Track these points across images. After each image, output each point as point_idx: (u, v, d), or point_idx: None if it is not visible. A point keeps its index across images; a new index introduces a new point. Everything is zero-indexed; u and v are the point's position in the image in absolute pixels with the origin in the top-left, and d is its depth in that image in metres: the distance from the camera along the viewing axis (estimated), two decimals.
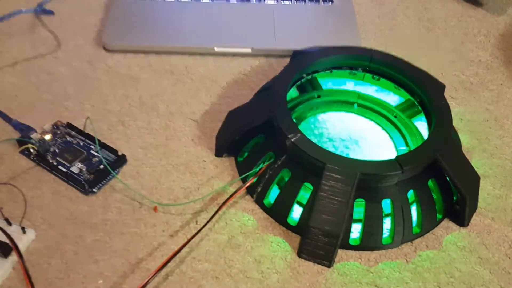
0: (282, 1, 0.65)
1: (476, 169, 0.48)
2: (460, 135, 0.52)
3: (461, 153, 0.46)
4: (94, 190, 0.44)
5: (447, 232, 0.44)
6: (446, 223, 0.44)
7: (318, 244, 0.39)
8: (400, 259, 0.42)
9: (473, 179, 0.44)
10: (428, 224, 0.43)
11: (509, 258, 0.42)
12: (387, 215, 0.42)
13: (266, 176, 0.43)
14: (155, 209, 0.43)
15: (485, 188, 0.47)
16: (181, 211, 0.44)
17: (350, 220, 0.41)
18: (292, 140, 0.41)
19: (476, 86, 0.58)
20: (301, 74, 0.49)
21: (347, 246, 0.41)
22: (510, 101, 0.56)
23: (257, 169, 0.43)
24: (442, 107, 0.44)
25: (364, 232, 0.41)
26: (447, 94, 0.56)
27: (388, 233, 0.42)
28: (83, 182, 0.44)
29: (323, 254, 0.40)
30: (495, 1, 0.70)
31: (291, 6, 0.65)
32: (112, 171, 0.44)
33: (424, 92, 0.46)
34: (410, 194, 0.42)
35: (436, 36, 0.64)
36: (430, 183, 0.43)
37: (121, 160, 0.46)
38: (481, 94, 0.57)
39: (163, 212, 0.43)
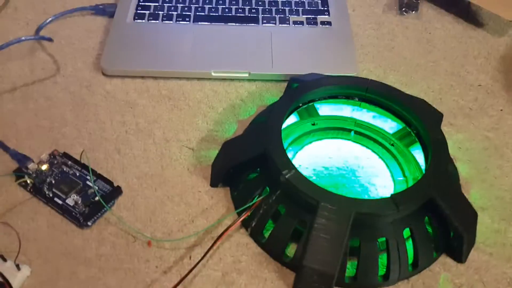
0: (280, 24, 0.65)
1: (474, 201, 0.48)
2: (458, 164, 0.51)
3: (458, 189, 0.45)
4: (89, 223, 0.44)
5: (444, 269, 0.43)
6: (443, 259, 0.44)
7: (312, 283, 0.39)
8: None
9: (470, 215, 0.43)
10: (424, 261, 0.42)
11: None
12: (382, 251, 0.42)
13: (261, 211, 0.43)
14: (149, 243, 0.43)
15: (483, 222, 0.47)
16: (175, 245, 0.44)
17: (345, 259, 0.40)
18: (286, 176, 0.40)
19: (475, 112, 0.57)
20: (297, 104, 0.48)
21: (342, 284, 0.41)
22: (510, 128, 0.56)
23: (252, 202, 0.43)
24: (438, 141, 0.44)
25: (359, 270, 0.41)
26: (446, 120, 0.56)
27: (384, 271, 0.42)
28: (78, 215, 0.44)
29: None
30: (496, 21, 0.70)
31: (289, 28, 0.65)
32: (106, 206, 0.44)
33: (421, 124, 0.46)
34: (406, 231, 0.41)
35: (435, 59, 0.63)
36: (426, 220, 0.42)
37: (116, 191, 0.46)
38: (480, 120, 0.56)
39: (157, 246, 0.43)
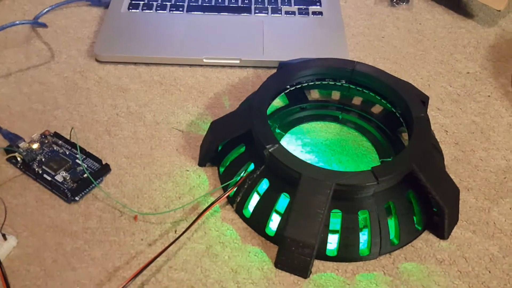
0: (272, 14, 0.66)
1: (460, 182, 0.49)
2: (444, 147, 0.52)
3: (440, 165, 0.46)
4: (76, 198, 0.45)
5: (427, 245, 0.44)
6: (426, 236, 0.44)
7: (294, 254, 0.39)
8: (378, 271, 0.42)
9: (452, 191, 0.44)
10: (406, 236, 0.43)
11: (490, 272, 0.42)
12: (364, 227, 0.42)
13: (245, 186, 0.43)
14: (135, 218, 0.44)
15: (467, 201, 0.47)
16: (161, 220, 0.44)
17: (326, 231, 0.41)
18: (270, 150, 0.41)
19: (463, 98, 0.58)
20: (284, 85, 0.49)
21: (324, 257, 0.41)
22: (497, 113, 0.56)
23: (237, 178, 0.44)
24: (421, 119, 0.44)
25: (341, 243, 0.41)
26: (433, 105, 0.56)
27: (365, 245, 0.42)
28: (65, 190, 0.45)
29: (299, 264, 0.40)
30: (486, 12, 0.71)
31: (281, 18, 0.66)
32: (93, 181, 0.45)
33: (405, 104, 0.46)
34: (387, 205, 0.42)
35: (424, 48, 0.64)
36: (408, 194, 0.43)
37: (104, 169, 0.47)
38: (468, 105, 0.57)
39: (143, 221, 0.44)
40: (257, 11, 0.66)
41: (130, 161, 0.49)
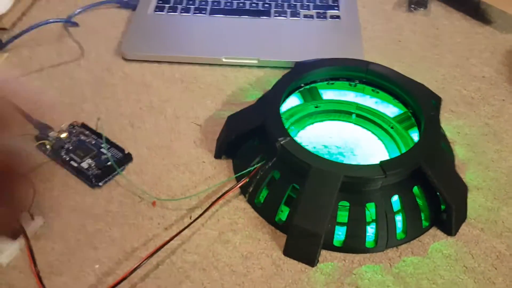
0: (291, 17, 0.68)
1: (470, 181, 0.49)
2: (456, 147, 0.53)
3: (449, 162, 0.47)
4: (100, 184, 0.48)
5: (434, 240, 0.44)
6: (434, 231, 0.45)
7: (301, 243, 0.41)
8: (384, 263, 0.43)
9: (460, 189, 0.45)
10: (413, 230, 0.44)
11: (496, 269, 0.43)
12: (372, 221, 0.43)
13: (257, 177, 0.45)
14: (153, 203, 0.46)
15: (477, 200, 0.48)
16: (177, 206, 0.47)
17: (334, 222, 0.42)
18: (282, 142, 0.43)
19: (477, 101, 0.58)
20: (298, 83, 0.51)
21: (331, 247, 0.43)
22: (510, 117, 0.57)
23: (250, 169, 0.46)
24: (431, 117, 0.45)
25: (348, 234, 0.42)
26: (446, 107, 0.57)
27: (372, 237, 0.43)
28: (90, 176, 0.48)
29: (307, 253, 0.41)
30: (505, 19, 0.71)
31: (299, 21, 0.68)
32: (117, 168, 0.48)
33: (417, 103, 0.48)
34: (395, 199, 0.43)
35: (440, 52, 0.65)
36: (416, 190, 0.44)
37: (127, 158, 0.50)
38: (481, 108, 0.58)
39: (161, 207, 0.46)
40: (277, 15, 0.69)
41: (151, 152, 0.52)
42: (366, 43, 0.66)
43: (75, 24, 0.64)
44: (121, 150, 0.51)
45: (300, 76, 0.51)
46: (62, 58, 0.64)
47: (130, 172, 0.49)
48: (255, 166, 0.46)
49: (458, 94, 0.59)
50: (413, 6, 0.73)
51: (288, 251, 0.42)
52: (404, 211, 0.43)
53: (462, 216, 0.45)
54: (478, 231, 0.45)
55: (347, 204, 0.42)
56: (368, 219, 0.43)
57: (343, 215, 0.43)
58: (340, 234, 0.43)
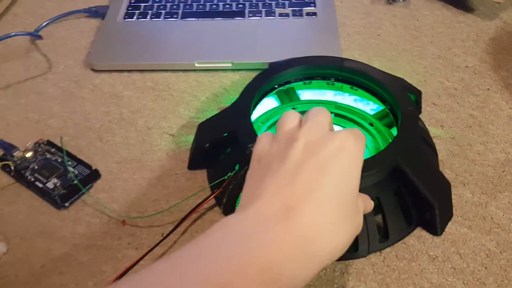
0: (266, 17, 0.66)
1: (455, 177, 0.47)
2: (440, 142, 0.50)
3: (430, 159, 0.44)
4: (66, 204, 0.45)
5: (419, 242, 0.42)
6: (419, 232, 0.43)
7: None
8: (367, 269, 0.40)
9: (443, 186, 0.42)
10: (395, 233, 0.41)
11: (486, 268, 0.40)
12: None
13: (231, 187, 0.43)
14: (123, 222, 0.44)
15: (463, 196, 0.45)
16: (149, 223, 0.44)
17: None
18: (252, 149, 0.41)
19: (460, 92, 0.56)
20: (271, 84, 0.49)
21: None
22: (496, 106, 0.54)
23: (222, 179, 0.43)
24: (408, 112, 0.43)
25: None
26: (429, 100, 0.55)
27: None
28: (55, 197, 0.45)
29: None
30: (487, 5, 0.69)
31: (274, 20, 0.66)
32: (81, 187, 0.46)
33: (394, 99, 0.45)
34: (375, 201, 0.41)
35: (421, 44, 0.63)
36: (396, 190, 0.42)
37: (94, 175, 0.48)
38: (465, 99, 0.55)
39: (131, 225, 0.44)
40: (251, 15, 0.66)
41: (120, 167, 0.49)
42: (344, 39, 0.64)
43: (39, 37, 0.62)
44: (88, 166, 0.48)
45: (273, 77, 0.49)
46: (29, 73, 0.61)
47: (98, 190, 0.47)
48: (229, 175, 0.43)
49: (441, 86, 0.57)
50: None
51: None
52: (384, 213, 0.41)
53: (447, 214, 0.42)
54: (465, 229, 0.43)
55: None
56: None
57: None
58: None
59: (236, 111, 0.44)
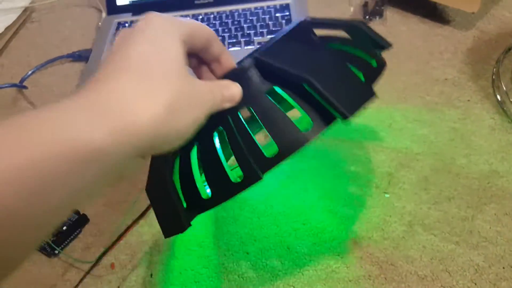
0: (245, 47, 0.67)
1: (440, 193, 0.47)
2: (423, 158, 0.51)
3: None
4: (56, 252, 0.46)
5: (407, 262, 0.42)
6: (406, 252, 0.43)
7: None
8: None
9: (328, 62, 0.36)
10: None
11: (475, 284, 0.40)
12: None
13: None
14: (112, 265, 0.44)
15: (449, 211, 0.45)
16: (139, 264, 0.44)
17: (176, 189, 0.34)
18: None
19: (441, 106, 0.56)
20: None
21: (201, 202, 0.33)
22: (477, 117, 0.55)
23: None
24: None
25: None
26: (410, 117, 0.55)
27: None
28: (45, 245, 0.46)
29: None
30: (463, 16, 0.70)
31: (253, 49, 0.67)
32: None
33: None
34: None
35: (399, 60, 0.64)
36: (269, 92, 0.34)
37: (82, 219, 0.48)
38: (446, 113, 0.56)
39: (120, 267, 0.44)
40: (230, 46, 0.68)
41: (108, 209, 0.50)
42: None
43: (24, 87, 0.64)
44: (76, 212, 0.49)
45: None
46: None
47: (86, 235, 0.47)
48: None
49: (421, 101, 0.58)
50: (368, 16, 0.72)
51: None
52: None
53: (354, 92, 0.35)
54: (453, 245, 0.43)
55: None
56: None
57: None
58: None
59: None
